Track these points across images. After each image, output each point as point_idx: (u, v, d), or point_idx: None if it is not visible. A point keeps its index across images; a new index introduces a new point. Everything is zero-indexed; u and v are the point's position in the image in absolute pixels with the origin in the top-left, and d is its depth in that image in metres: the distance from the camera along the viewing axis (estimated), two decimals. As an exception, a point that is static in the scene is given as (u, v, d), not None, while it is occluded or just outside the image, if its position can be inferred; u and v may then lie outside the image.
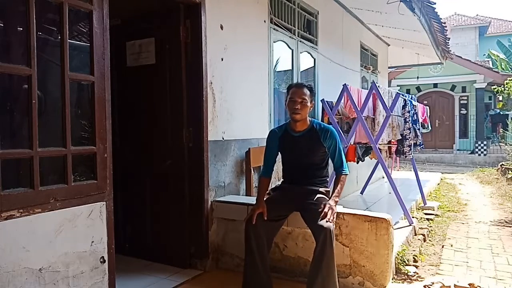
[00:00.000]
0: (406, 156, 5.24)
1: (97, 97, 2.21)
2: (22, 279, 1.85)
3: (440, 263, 3.66)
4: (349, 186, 6.32)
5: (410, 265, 3.39)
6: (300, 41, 4.88)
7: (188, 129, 3.22)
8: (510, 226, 5.08)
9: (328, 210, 2.54)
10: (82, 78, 2.18)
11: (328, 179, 2.91)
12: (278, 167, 3.06)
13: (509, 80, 10.55)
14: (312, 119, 2.89)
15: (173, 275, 3.10)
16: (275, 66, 4.52)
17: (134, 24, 3.45)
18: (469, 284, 2.86)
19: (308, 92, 2.72)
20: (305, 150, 2.76)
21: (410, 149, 5.16)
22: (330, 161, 2.89)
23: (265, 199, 2.87)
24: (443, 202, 6.55)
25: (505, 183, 8.59)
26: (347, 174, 2.81)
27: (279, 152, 2.92)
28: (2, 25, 2.05)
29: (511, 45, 18.86)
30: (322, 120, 5.05)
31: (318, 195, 2.74)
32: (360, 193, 6.36)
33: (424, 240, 4.26)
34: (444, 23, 6.62)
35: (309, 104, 2.72)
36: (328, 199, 2.75)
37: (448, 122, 15.65)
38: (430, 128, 7.00)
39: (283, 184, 2.89)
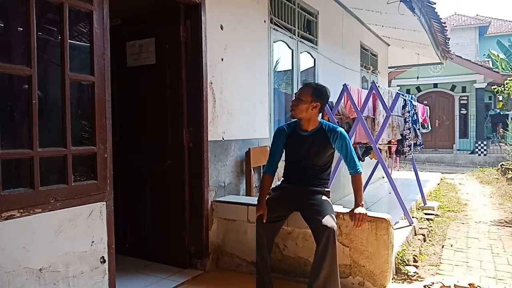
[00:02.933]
0: (406, 156, 5.24)
1: (97, 97, 2.21)
2: (22, 279, 1.85)
3: (440, 263, 3.67)
4: (349, 186, 6.29)
5: (410, 265, 3.39)
6: (300, 41, 4.88)
7: (188, 129, 3.23)
8: (510, 226, 5.09)
9: (361, 219, 2.66)
10: (82, 78, 2.18)
11: (328, 181, 2.91)
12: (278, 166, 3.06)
13: (509, 80, 10.56)
14: (322, 120, 2.88)
15: (173, 275, 3.10)
16: (275, 66, 4.52)
17: (134, 24, 3.46)
18: (469, 284, 2.86)
19: (310, 91, 2.70)
20: (312, 151, 2.74)
21: (410, 149, 5.16)
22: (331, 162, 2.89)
23: (265, 199, 2.87)
24: (443, 202, 6.56)
25: (505, 183, 8.59)
26: (361, 173, 2.84)
27: (284, 150, 2.90)
28: (2, 25, 2.05)
29: (511, 45, 18.87)
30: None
31: (320, 196, 2.74)
32: (360, 193, 6.34)
33: (424, 240, 4.26)
34: (444, 23, 6.62)
35: (308, 101, 2.68)
36: (328, 199, 2.75)
37: (448, 122, 15.65)
38: (430, 128, 7.00)
39: (283, 184, 2.88)
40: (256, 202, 2.76)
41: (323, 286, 2.42)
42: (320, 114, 2.87)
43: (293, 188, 2.79)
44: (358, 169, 2.82)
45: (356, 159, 2.82)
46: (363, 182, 6.46)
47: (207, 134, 3.21)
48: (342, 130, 2.78)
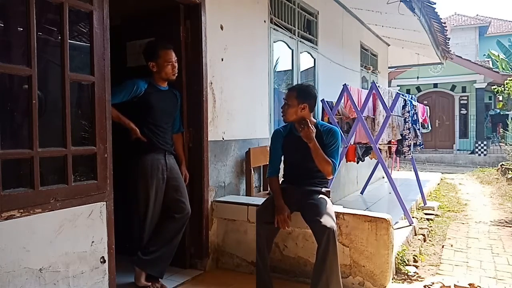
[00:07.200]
0: (406, 156, 5.25)
1: (97, 97, 2.21)
2: (22, 279, 1.85)
3: (440, 263, 3.67)
4: (349, 186, 6.33)
5: (410, 265, 3.39)
6: (300, 41, 4.88)
7: (188, 129, 3.23)
8: (510, 226, 5.09)
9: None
10: (82, 79, 2.18)
11: (328, 180, 2.91)
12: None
13: (509, 80, 10.55)
14: (318, 120, 2.89)
15: (173, 275, 3.10)
16: (275, 66, 4.52)
17: (134, 24, 3.45)
18: (469, 284, 2.86)
19: (294, 94, 2.74)
20: (309, 151, 2.74)
21: (410, 149, 5.16)
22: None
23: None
24: (443, 202, 6.56)
25: (505, 183, 8.59)
26: (333, 169, 2.68)
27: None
28: (2, 25, 2.05)
29: (511, 45, 18.88)
30: (322, 120, 5.05)
31: (319, 196, 2.73)
32: (360, 193, 6.36)
33: (424, 240, 4.27)
34: (444, 23, 6.62)
35: (295, 105, 2.71)
36: (328, 198, 2.75)
37: (448, 122, 15.65)
38: (430, 128, 7.00)
39: (284, 185, 2.88)
40: (256, 202, 2.76)
41: (325, 285, 2.42)
42: (318, 114, 2.87)
43: (292, 188, 2.80)
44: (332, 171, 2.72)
45: (336, 161, 2.72)
46: (363, 183, 6.49)
47: (207, 134, 3.21)
48: (337, 130, 2.78)
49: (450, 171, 11.79)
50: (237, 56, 3.63)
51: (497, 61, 18.10)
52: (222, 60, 3.42)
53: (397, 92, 4.77)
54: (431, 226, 4.89)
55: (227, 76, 3.49)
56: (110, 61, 2.29)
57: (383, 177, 7.63)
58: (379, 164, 5.48)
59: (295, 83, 4.81)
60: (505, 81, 10.79)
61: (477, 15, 23.67)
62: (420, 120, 5.72)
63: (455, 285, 2.84)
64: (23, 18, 1.89)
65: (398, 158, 7.45)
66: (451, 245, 4.20)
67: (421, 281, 3.14)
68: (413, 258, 3.56)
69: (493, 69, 15.46)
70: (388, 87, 10.16)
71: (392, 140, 5.15)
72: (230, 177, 3.57)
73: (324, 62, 5.49)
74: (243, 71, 3.75)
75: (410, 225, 4.36)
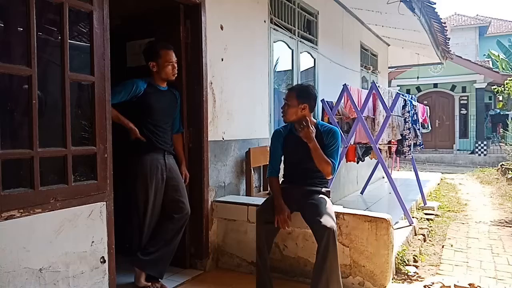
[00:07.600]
0: (406, 156, 5.25)
1: (97, 97, 2.21)
2: (22, 279, 1.85)
3: (440, 263, 3.67)
4: (349, 186, 6.33)
5: (410, 265, 3.39)
6: (300, 41, 4.88)
7: (188, 129, 3.23)
8: (510, 226, 5.09)
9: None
10: (82, 79, 2.18)
11: (328, 180, 2.91)
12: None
13: (509, 80, 10.56)
14: (318, 120, 2.89)
15: (173, 275, 3.10)
16: (275, 66, 4.52)
17: (134, 24, 3.46)
18: (469, 284, 2.86)
19: (294, 94, 2.74)
20: (308, 151, 2.74)
21: (410, 149, 5.16)
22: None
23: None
24: (443, 202, 6.56)
25: (505, 183, 8.59)
26: (333, 169, 2.68)
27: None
28: (2, 25, 2.05)
29: (511, 45, 18.88)
30: (322, 120, 5.05)
31: (319, 196, 2.73)
32: (360, 193, 6.37)
33: (424, 240, 4.27)
34: (444, 23, 6.62)
35: (295, 105, 2.72)
36: (328, 198, 2.75)
37: (448, 122, 15.65)
38: (430, 128, 7.01)
39: (283, 185, 2.89)
40: (256, 202, 2.76)
41: (325, 285, 2.42)
42: (318, 114, 2.86)
43: (292, 188, 2.80)
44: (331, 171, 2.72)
45: (336, 162, 2.72)
46: (363, 183, 6.49)
47: (207, 134, 3.22)
48: (337, 130, 2.78)
49: (450, 171, 11.79)
50: (237, 56, 3.63)
51: (497, 61, 18.12)
52: (222, 60, 3.42)
53: (397, 92, 4.77)
54: (431, 226, 4.89)
55: (227, 76, 3.49)
56: (110, 61, 2.29)
57: (383, 177, 7.63)
58: (379, 164, 5.48)
59: (295, 83, 4.81)
60: (505, 81, 10.80)
61: (477, 15, 23.66)
62: (420, 120, 5.72)
63: (455, 285, 2.84)
64: (23, 18, 1.89)
65: (398, 158, 7.45)
66: (451, 245, 4.20)
67: (421, 281, 3.14)
68: (413, 258, 3.56)
69: (493, 69, 15.46)
70: (388, 87, 10.16)
71: (392, 140, 5.15)
72: (230, 177, 3.57)
73: (324, 62, 5.49)
74: (243, 71, 3.75)
75: (410, 225, 4.36)
